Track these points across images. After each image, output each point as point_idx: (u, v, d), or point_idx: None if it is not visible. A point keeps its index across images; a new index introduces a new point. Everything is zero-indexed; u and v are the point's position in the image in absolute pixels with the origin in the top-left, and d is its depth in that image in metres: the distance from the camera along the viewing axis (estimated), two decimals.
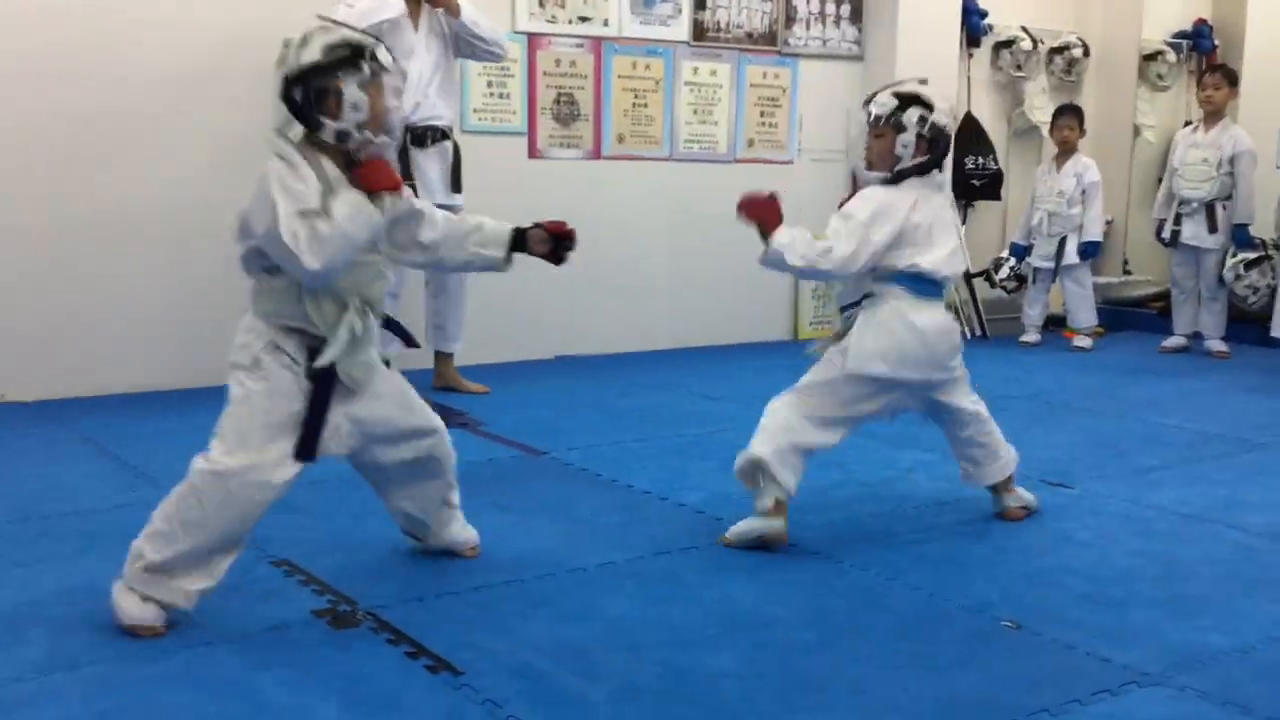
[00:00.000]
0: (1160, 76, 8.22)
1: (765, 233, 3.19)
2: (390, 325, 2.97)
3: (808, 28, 6.89)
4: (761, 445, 3.23)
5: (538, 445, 4.41)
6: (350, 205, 2.58)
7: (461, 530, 3.15)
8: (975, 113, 7.54)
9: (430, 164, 5.00)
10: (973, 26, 7.42)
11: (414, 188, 4.85)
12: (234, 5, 5.16)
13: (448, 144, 5.05)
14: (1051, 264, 6.92)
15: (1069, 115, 7.04)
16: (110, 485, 3.79)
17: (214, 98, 5.13)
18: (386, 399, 2.84)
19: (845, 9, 7.00)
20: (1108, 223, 7.56)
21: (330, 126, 2.61)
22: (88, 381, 5.00)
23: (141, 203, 5.05)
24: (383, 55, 2.67)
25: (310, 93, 2.61)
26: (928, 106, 3.24)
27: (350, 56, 2.62)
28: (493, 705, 2.33)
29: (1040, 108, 7.76)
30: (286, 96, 2.63)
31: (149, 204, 5.06)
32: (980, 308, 7.36)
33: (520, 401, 5.17)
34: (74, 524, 3.39)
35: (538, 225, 2.97)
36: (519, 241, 2.97)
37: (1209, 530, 3.54)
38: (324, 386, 2.69)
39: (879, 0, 6.98)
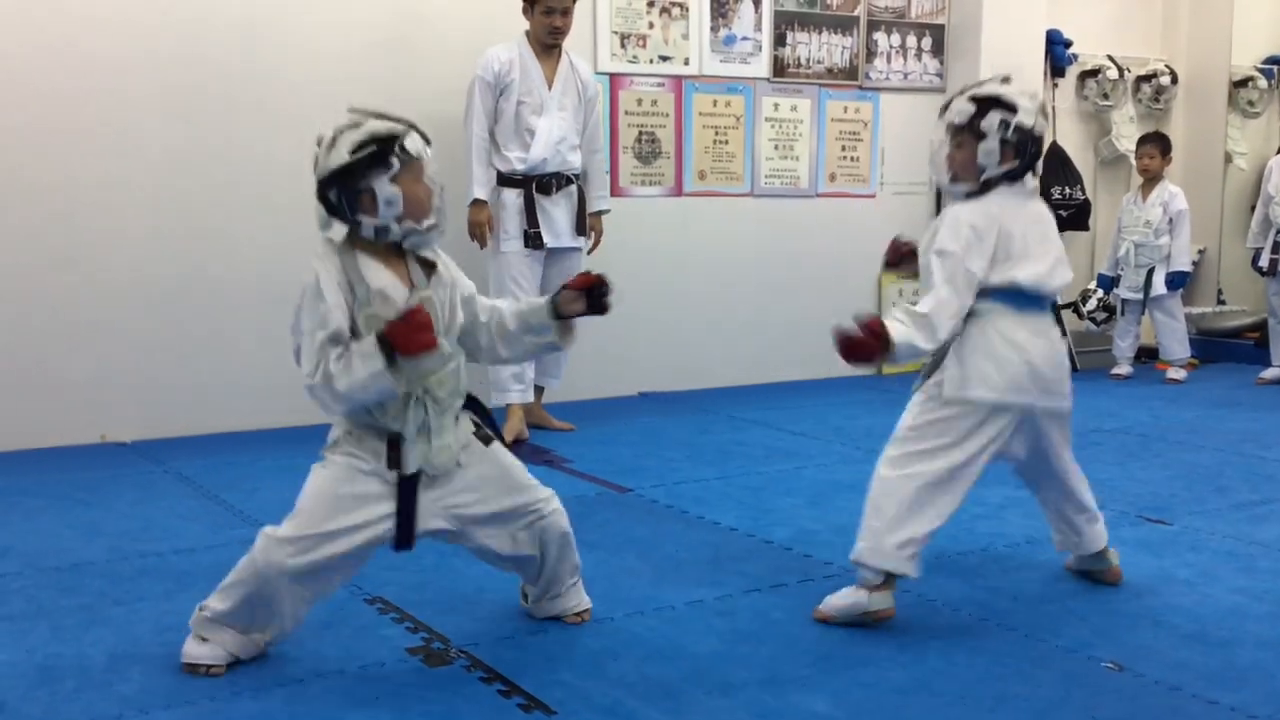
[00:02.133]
0: (1251, 103, 8.05)
1: (880, 355, 2.86)
2: (474, 409, 2.83)
3: (889, 61, 6.87)
4: (871, 549, 2.94)
5: (623, 482, 4.41)
6: (362, 371, 2.50)
7: (574, 597, 3.00)
8: (1061, 142, 7.45)
9: (556, 209, 5.09)
10: (1057, 56, 7.34)
11: (539, 235, 4.95)
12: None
13: (573, 189, 5.13)
14: (1140, 295, 6.79)
15: (1152, 143, 6.92)
16: (206, 525, 3.86)
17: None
18: (484, 481, 2.76)
19: (927, 42, 6.97)
20: (1199, 252, 7.42)
21: (367, 223, 2.59)
22: (184, 421, 5.11)
23: (240, 247, 5.16)
24: (412, 144, 2.61)
25: (343, 193, 2.58)
26: (1009, 108, 2.94)
27: (378, 153, 2.57)
28: None
29: (1127, 136, 7.65)
30: (322, 197, 2.62)
31: (249, 248, 5.18)
32: (1069, 340, 7.22)
33: (604, 439, 5.18)
34: (171, 563, 3.46)
35: (564, 288, 2.85)
36: (558, 311, 2.85)
37: None
38: (407, 481, 2.65)
39: (961, 32, 6.95)
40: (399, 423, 2.62)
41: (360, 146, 2.57)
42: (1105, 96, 7.61)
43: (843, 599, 2.98)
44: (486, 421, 2.86)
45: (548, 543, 2.86)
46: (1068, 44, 7.39)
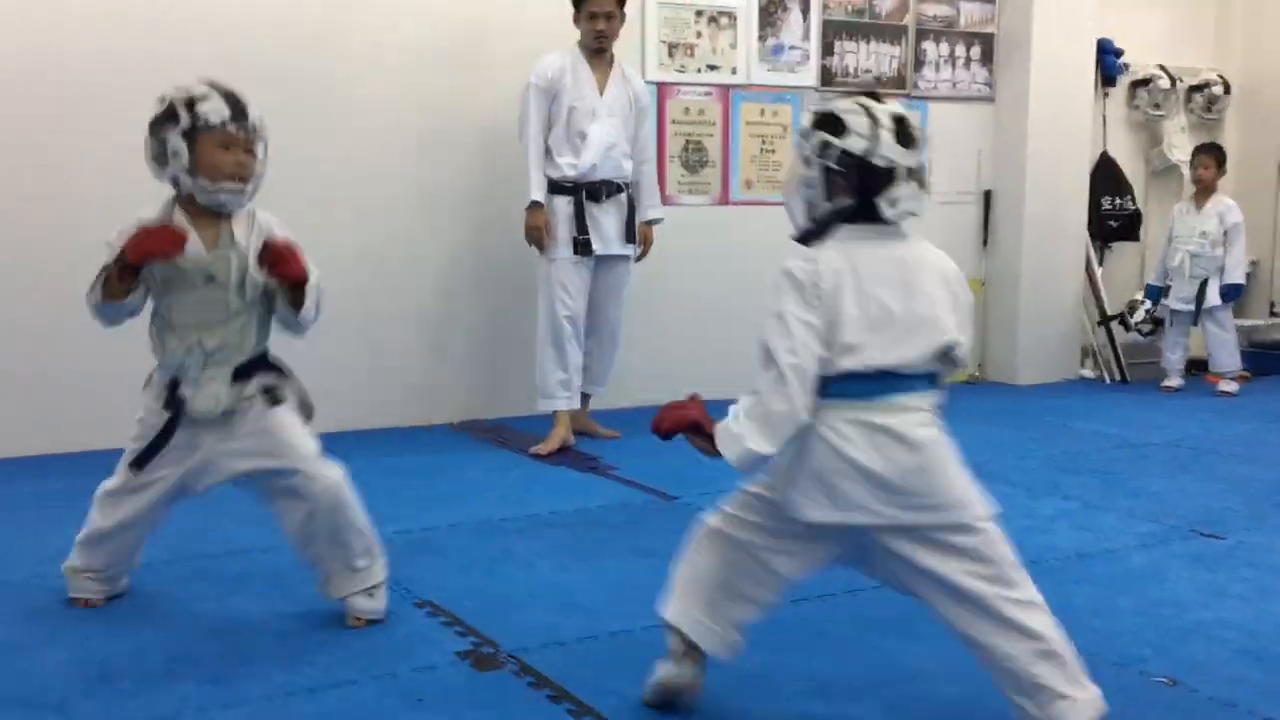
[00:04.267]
0: None
1: (707, 442, 2.48)
2: (267, 367, 3.02)
3: (937, 70, 6.85)
4: (671, 607, 2.57)
5: (670, 490, 4.42)
6: (95, 283, 2.87)
7: (360, 597, 3.00)
8: (1112, 152, 7.41)
9: (606, 217, 5.11)
10: (1108, 65, 7.29)
11: (589, 241, 4.99)
12: None
13: (623, 197, 5.15)
14: (1191, 306, 6.71)
15: (1207, 154, 6.85)
16: (259, 528, 3.89)
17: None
18: (251, 438, 2.95)
19: (976, 51, 6.94)
20: (1252, 264, 7.33)
21: (164, 174, 2.89)
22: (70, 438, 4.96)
23: None
24: (207, 108, 2.84)
25: (154, 145, 2.88)
26: (836, 127, 2.30)
27: (170, 108, 2.85)
28: None
29: (1179, 146, 7.59)
30: (145, 152, 2.91)
31: None
32: (1120, 352, 7.17)
33: (651, 447, 5.07)
34: (225, 566, 3.50)
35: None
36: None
37: None
38: (171, 418, 2.94)
39: (1011, 41, 6.92)
40: (173, 364, 2.93)
41: (164, 102, 2.87)
42: (1157, 106, 7.55)
43: (654, 675, 2.56)
44: (286, 384, 3.04)
45: (313, 514, 2.94)
46: (1119, 53, 7.34)
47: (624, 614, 3.11)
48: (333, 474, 2.97)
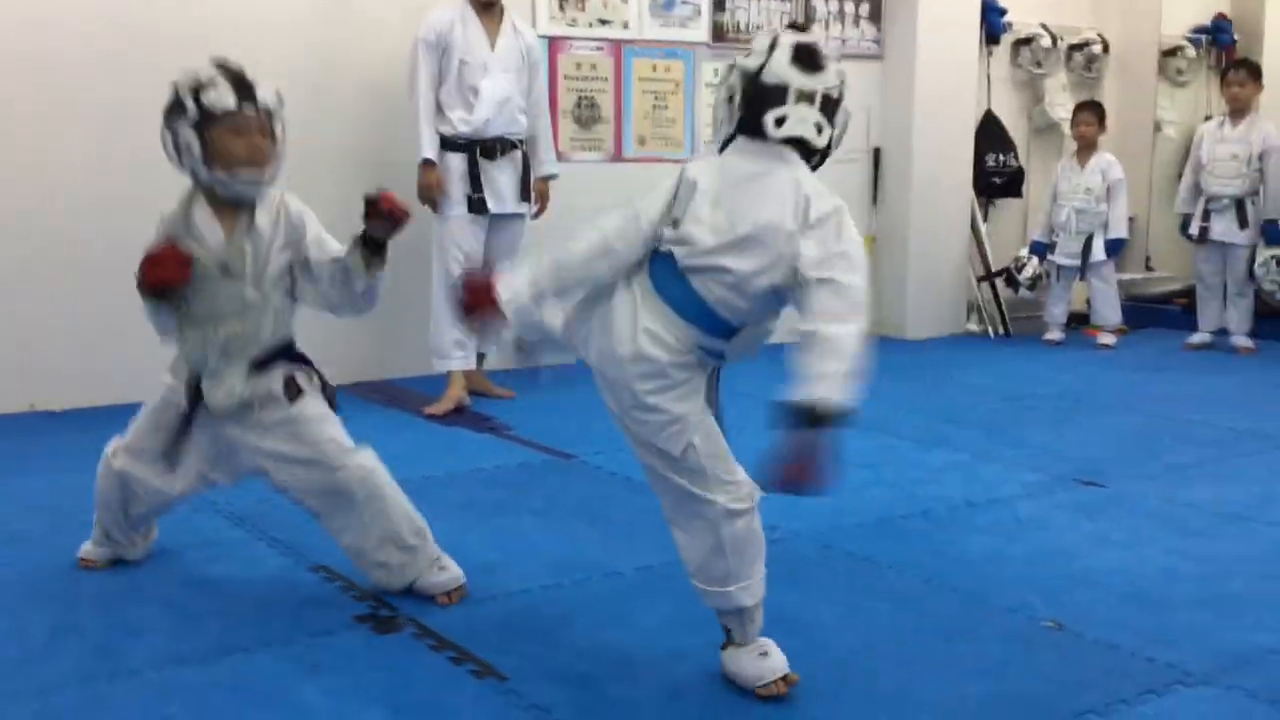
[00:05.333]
0: (1180, 72, 8.19)
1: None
2: (288, 357, 2.92)
3: (826, 27, 6.88)
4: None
5: (567, 450, 4.41)
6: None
7: (431, 575, 2.91)
8: (995, 110, 7.52)
9: (501, 174, 5.03)
10: (992, 24, 7.39)
11: (483, 200, 4.90)
12: None
13: (517, 154, 5.07)
14: (1077, 262, 6.88)
15: (1088, 111, 7.00)
16: None
17: None
18: (275, 429, 2.84)
19: (864, 8, 6.99)
20: (1130, 219, 7.53)
21: (181, 167, 2.77)
22: (116, 390, 5.01)
23: None
24: (213, 96, 2.70)
25: (169, 136, 2.76)
26: (744, 53, 2.41)
27: (177, 99, 2.72)
28: (540, 711, 2.33)
29: (1060, 104, 7.74)
30: (163, 145, 2.79)
31: None
32: (1003, 307, 7.34)
33: (546, 406, 5.17)
34: None
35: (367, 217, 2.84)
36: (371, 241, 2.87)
37: (1246, 528, 3.52)
38: (189, 410, 2.86)
39: None
40: (189, 359, 2.85)
41: (173, 93, 2.74)
42: (1039, 64, 7.69)
43: None
44: (310, 374, 2.94)
45: (352, 507, 2.85)
46: (1003, 12, 7.44)
47: (523, 574, 3.09)
48: (365, 461, 2.88)
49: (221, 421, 2.85)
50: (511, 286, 2.45)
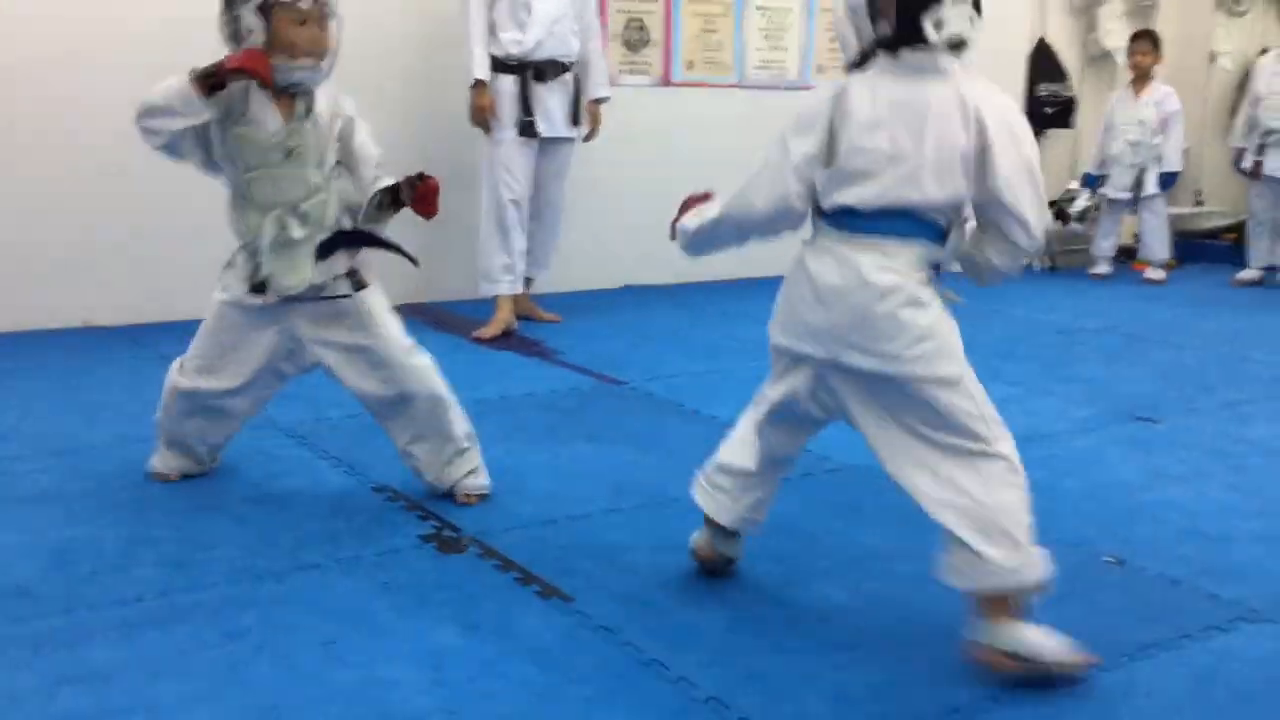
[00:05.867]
0: (1237, 2, 8.01)
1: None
2: (358, 239, 2.97)
3: None
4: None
5: (616, 375, 4.42)
6: (172, 85, 2.76)
7: (468, 478, 3.04)
8: (1049, 38, 7.40)
9: (552, 98, 5.01)
10: None
11: (534, 124, 4.87)
12: None
13: (568, 77, 5.04)
14: (1129, 195, 6.80)
15: (1145, 40, 6.88)
16: None
17: None
18: (342, 324, 2.95)
19: None
20: (1183, 151, 7.43)
21: (235, 49, 2.79)
22: (168, 306, 5.05)
23: None
24: None
25: (227, 20, 2.81)
26: None
27: None
28: (607, 631, 2.36)
29: (1115, 33, 7.61)
30: (220, 30, 2.83)
31: None
32: (1050, 239, 7.27)
33: (593, 332, 5.18)
34: None
35: (410, 184, 2.90)
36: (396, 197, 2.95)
37: None
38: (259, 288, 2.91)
39: None
40: (257, 240, 2.87)
41: None
42: None
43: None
44: (378, 244, 2.99)
45: (411, 407, 2.98)
46: None
47: (580, 498, 3.12)
48: (424, 363, 3.00)
49: (287, 313, 2.93)
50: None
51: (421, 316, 5.36)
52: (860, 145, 2.19)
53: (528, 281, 5.31)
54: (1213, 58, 7.94)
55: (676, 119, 6.18)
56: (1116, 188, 6.84)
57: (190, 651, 2.25)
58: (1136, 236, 7.12)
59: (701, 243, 2.49)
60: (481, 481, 3.07)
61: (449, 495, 3.04)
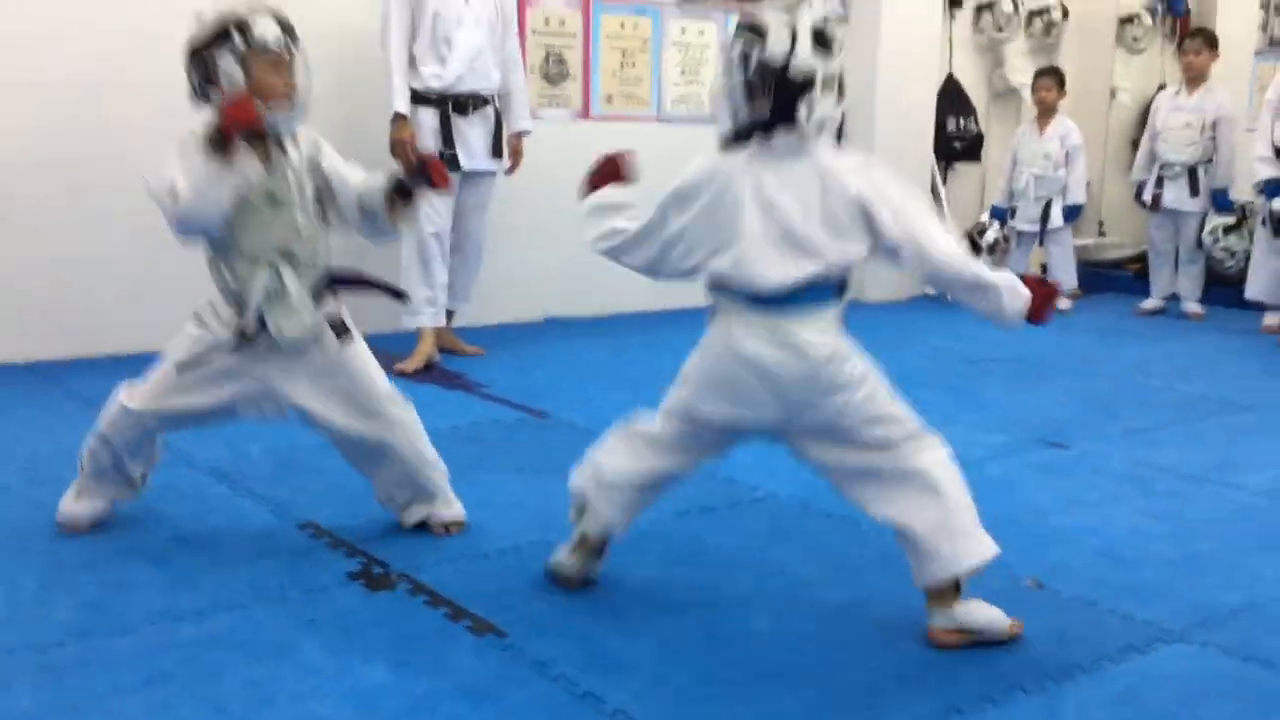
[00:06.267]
0: (1136, 39, 8.29)
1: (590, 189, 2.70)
2: (345, 282, 2.98)
3: None
4: (579, 474, 2.75)
5: (540, 407, 4.42)
6: (191, 171, 2.70)
7: (443, 506, 3.09)
8: (956, 74, 7.59)
9: (473, 130, 5.02)
10: None
11: (455, 156, 4.87)
12: None
13: (489, 110, 5.05)
14: (1036, 227, 6.98)
15: (1049, 76, 7.08)
16: None
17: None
18: (329, 375, 2.90)
19: None
20: (1086, 185, 7.65)
21: (212, 97, 2.76)
22: (77, 343, 4.95)
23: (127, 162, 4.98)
24: (261, 29, 2.75)
25: (196, 69, 2.77)
26: (758, 35, 2.32)
27: (223, 30, 2.73)
28: (540, 665, 2.36)
29: (1020, 69, 7.82)
30: (188, 76, 2.79)
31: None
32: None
33: (516, 363, 5.18)
34: None
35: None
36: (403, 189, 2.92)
37: (1210, 490, 3.62)
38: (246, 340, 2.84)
39: None
40: (248, 292, 2.81)
41: (210, 24, 2.75)
42: (1000, 29, 7.76)
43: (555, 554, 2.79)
44: (368, 285, 3.04)
45: (391, 456, 2.98)
46: None
47: (508, 531, 3.12)
48: (409, 417, 2.99)
49: (268, 360, 2.85)
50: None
51: None
52: (754, 229, 2.37)
53: (449, 314, 5.30)
54: (1113, 93, 8.20)
55: (595, 151, 6.18)
56: (1024, 220, 7.03)
57: (112, 696, 2.21)
58: (1044, 267, 7.30)
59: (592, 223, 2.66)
60: (454, 511, 3.08)
61: (423, 526, 3.06)
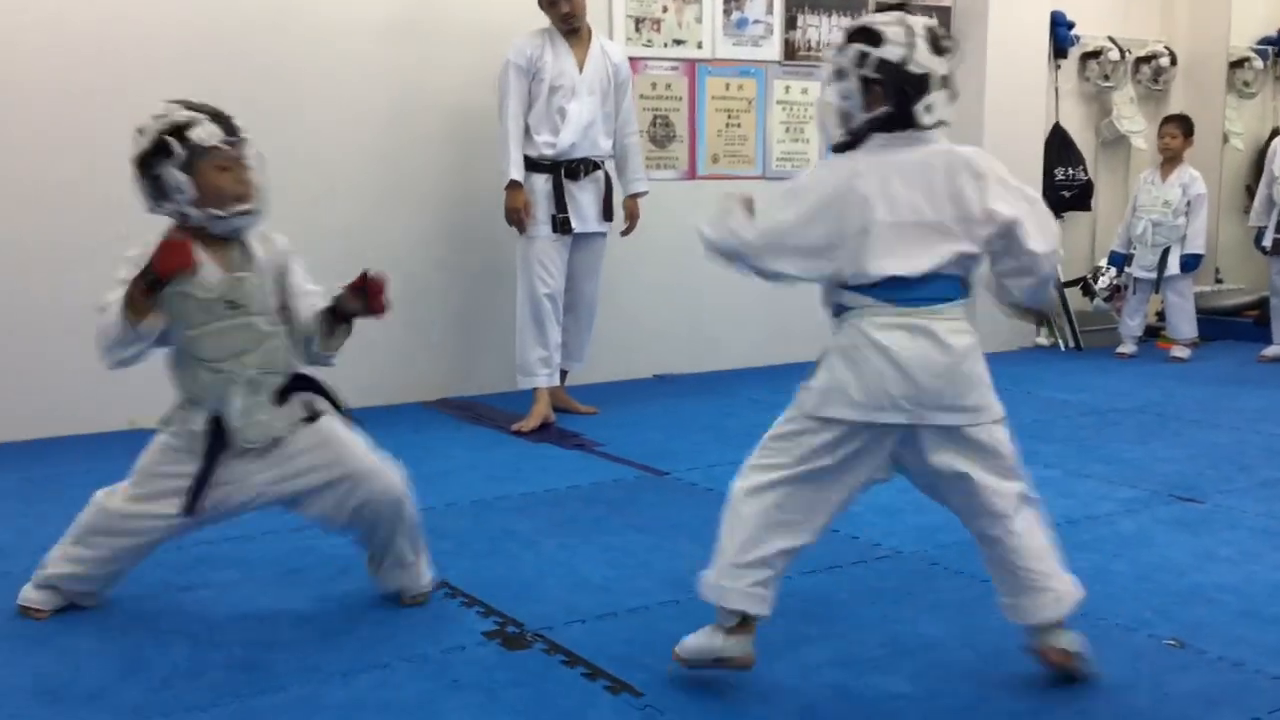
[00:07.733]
0: (1247, 84, 8.18)
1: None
2: (304, 385, 2.91)
3: None
4: (714, 586, 2.59)
5: (658, 466, 4.46)
6: (111, 313, 2.67)
7: (411, 578, 3.02)
8: (1064, 123, 7.54)
9: (584, 194, 5.11)
10: (1060, 38, 7.41)
11: (567, 220, 4.98)
12: None
13: (599, 174, 5.16)
14: (1153, 274, 6.85)
15: (1174, 124, 6.96)
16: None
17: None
18: (304, 454, 2.85)
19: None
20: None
21: (167, 209, 2.75)
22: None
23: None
24: (200, 133, 2.70)
25: (146, 182, 2.74)
26: (872, 38, 2.39)
27: (160, 144, 2.70)
28: None
29: (1128, 117, 7.75)
30: (139, 191, 2.77)
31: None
32: (1074, 319, 7.33)
33: (629, 422, 5.23)
34: (224, 552, 3.46)
35: (343, 288, 2.84)
36: (341, 312, 2.87)
37: None
38: (213, 449, 2.78)
39: (967, 14, 7.00)
40: (210, 398, 2.77)
41: (149, 137, 2.71)
42: (1106, 78, 7.69)
43: (697, 640, 2.58)
44: (322, 395, 2.92)
45: (378, 514, 2.91)
46: (1070, 25, 7.47)
47: (637, 590, 3.15)
48: (395, 477, 2.93)
49: (236, 460, 2.80)
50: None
51: (459, 411, 5.42)
52: (884, 220, 2.40)
53: (563, 374, 5.37)
54: (1225, 138, 8.06)
55: (703, 211, 6.22)
56: (1141, 267, 6.91)
57: None
58: (1160, 315, 7.17)
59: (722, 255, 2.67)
60: (423, 583, 3.03)
61: (394, 598, 3.03)
